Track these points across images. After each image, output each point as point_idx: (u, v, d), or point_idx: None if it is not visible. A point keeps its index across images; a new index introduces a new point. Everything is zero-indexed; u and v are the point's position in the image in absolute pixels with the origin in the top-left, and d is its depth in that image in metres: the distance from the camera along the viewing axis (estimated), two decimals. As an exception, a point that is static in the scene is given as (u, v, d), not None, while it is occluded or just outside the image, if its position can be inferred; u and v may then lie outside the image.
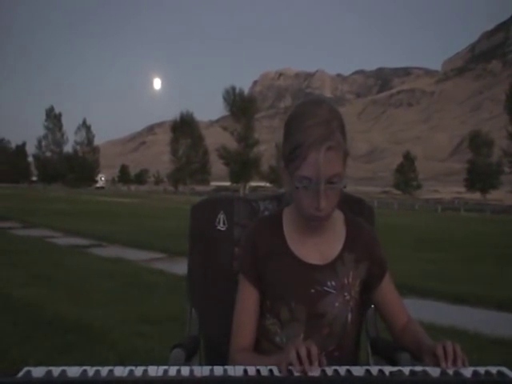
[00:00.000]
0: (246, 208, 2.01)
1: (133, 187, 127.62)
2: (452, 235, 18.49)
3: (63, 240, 13.59)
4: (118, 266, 9.31)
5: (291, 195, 1.60)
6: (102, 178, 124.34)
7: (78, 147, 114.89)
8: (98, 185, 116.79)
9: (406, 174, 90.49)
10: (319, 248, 1.65)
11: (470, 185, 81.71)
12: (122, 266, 9.34)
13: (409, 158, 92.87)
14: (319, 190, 1.46)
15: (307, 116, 1.48)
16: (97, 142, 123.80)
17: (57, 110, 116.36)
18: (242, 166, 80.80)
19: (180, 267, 8.75)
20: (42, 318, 5.43)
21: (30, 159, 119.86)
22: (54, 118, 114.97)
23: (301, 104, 1.56)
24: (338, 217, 1.71)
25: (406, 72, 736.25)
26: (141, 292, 7.07)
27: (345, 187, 1.54)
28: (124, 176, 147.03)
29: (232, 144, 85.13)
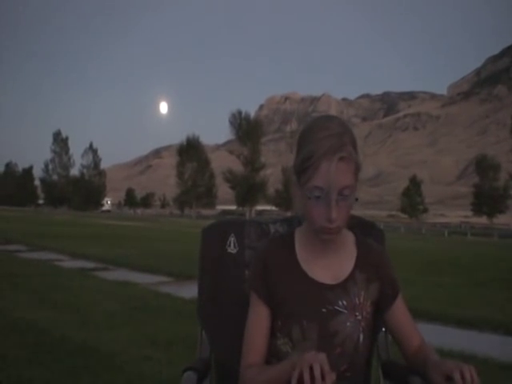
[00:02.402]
0: (256, 231, 2.01)
1: (139, 210, 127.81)
2: (459, 259, 18.38)
3: (70, 263, 13.58)
4: (124, 290, 9.29)
5: (303, 214, 1.61)
6: (108, 202, 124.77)
7: (85, 171, 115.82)
8: (104, 208, 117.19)
9: (412, 198, 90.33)
10: (331, 268, 1.65)
11: (477, 209, 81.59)
12: (128, 290, 9.31)
13: (415, 182, 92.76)
14: (331, 200, 1.47)
15: (319, 129, 1.50)
16: (103, 165, 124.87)
17: (64, 134, 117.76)
18: (248, 189, 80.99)
19: (187, 291, 8.74)
20: (49, 341, 5.42)
21: (37, 182, 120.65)
22: (61, 142, 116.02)
23: (313, 119, 1.58)
24: (349, 238, 1.72)
25: (411, 96, 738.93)
26: (148, 316, 7.05)
27: (357, 200, 1.54)
28: (130, 199, 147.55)
29: (238, 167, 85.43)
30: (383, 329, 1.86)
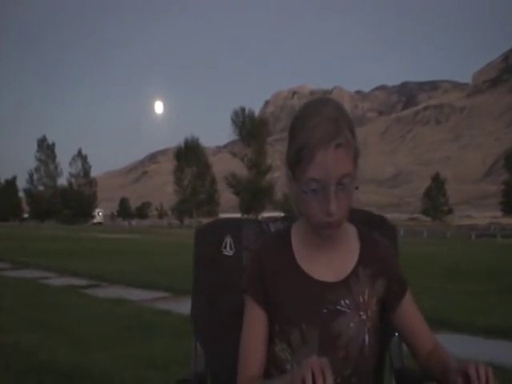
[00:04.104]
0: (255, 231, 2.00)
1: (134, 222, 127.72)
2: (488, 264, 18.33)
3: (58, 280, 13.61)
4: (118, 308, 9.31)
5: (300, 211, 1.60)
6: (100, 213, 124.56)
7: (74, 180, 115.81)
8: (95, 220, 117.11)
9: (435, 199, 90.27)
10: (331, 264, 1.65)
11: (507, 208, 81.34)
12: (122, 308, 9.33)
13: (438, 181, 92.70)
14: (329, 192, 1.46)
15: (312, 114, 1.50)
16: (94, 173, 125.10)
17: (49, 140, 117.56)
18: (253, 195, 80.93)
19: (187, 307, 8.59)
20: (35, 364, 5.45)
21: (21, 194, 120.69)
22: (46, 149, 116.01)
23: (305, 104, 1.58)
24: (351, 231, 1.72)
25: (432, 86, 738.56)
26: (143, 335, 7.06)
27: (357, 188, 1.53)
28: (124, 210, 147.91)
29: (242, 171, 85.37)
30: (396, 334, 1.87)
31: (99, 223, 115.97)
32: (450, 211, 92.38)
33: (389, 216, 2.17)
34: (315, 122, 1.47)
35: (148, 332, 7.22)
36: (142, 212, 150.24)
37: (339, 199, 1.48)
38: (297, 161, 1.50)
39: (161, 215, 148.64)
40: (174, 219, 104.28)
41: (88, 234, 52.15)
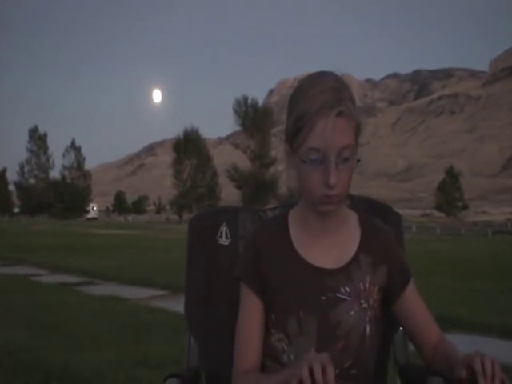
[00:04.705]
0: (253, 219, 2.01)
1: (130, 217, 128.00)
2: (504, 262, 18.32)
3: (49, 278, 13.65)
4: (112, 306, 9.34)
5: (297, 187, 1.60)
6: (94, 208, 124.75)
7: (67, 172, 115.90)
8: (89, 215, 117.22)
9: (449, 194, 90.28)
10: (330, 250, 1.65)
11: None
12: (117, 306, 9.36)
13: (452, 175, 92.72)
14: (329, 163, 1.46)
15: (312, 84, 1.51)
16: (88, 165, 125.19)
17: (41, 130, 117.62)
18: (256, 188, 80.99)
19: (184, 305, 8.75)
20: (23, 364, 5.47)
21: (12, 188, 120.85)
22: (38, 139, 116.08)
23: (305, 77, 1.60)
24: (352, 216, 1.72)
25: (447, 74, 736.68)
26: (139, 334, 7.09)
27: (359, 161, 1.53)
28: (120, 204, 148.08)
29: (245, 164, 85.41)
30: (400, 328, 1.87)
31: (94, 218, 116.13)
32: (464, 207, 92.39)
33: (400, 212, 2.16)
34: (315, 91, 1.48)
35: (143, 331, 7.24)
36: (138, 207, 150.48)
37: (340, 172, 1.48)
38: (296, 130, 1.51)
39: (159, 210, 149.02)
40: (172, 214, 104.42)
41: (82, 229, 52.29)
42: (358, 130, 1.52)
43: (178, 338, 6.45)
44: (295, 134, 1.51)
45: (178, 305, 9.16)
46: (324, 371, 1.25)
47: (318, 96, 1.47)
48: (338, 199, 1.53)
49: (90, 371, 5.25)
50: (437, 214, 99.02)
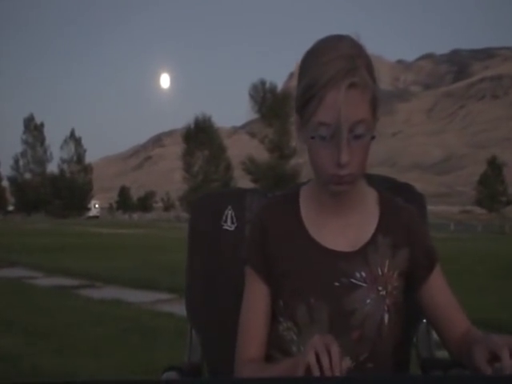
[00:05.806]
0: (260, 202, 1.99)
1: (136, 215, 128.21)
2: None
3: (46, 280, 13.77)
4: (114, 310, 9.40)
5: (308, 163, 1.58)
6: (96, 205, 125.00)
7: (65, 166, 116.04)
8: (90, 213, 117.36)
9: (491, 187, 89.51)
10: (345, 231, 1.64)
11: None
12: (119, 310, 9.43)
13: (495, 166, 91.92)
14: (340, 139, 1.44)
15: (325, 49, 1.49)
16: (89, 158, 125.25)
17: (38, 120, 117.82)
18: (275, 182, 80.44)
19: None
20: (17, 371, 5.55)
21: (5, 183, 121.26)
22: (34, 130, 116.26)
23: (319, 40, 1.56)
24: (370, 194, 1.71)
25: (488, 54, 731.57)
26: (142, 340, 7.14)
27: (373, 138, 1.51)
28: (124, 201, 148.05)
29: (262, 155, 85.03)
30: (424, 320, 1.87)
31: (95, 217, 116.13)
32: (509, 202, 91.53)
33: (436, 208, 2.12)
34: (327, 58, 1.46)
35: (147, 337, 7.29)
36: (145, 203, 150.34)
37: (352, 149, 1.46)
38: (305, 101, 1.49)
39: (167, 207, 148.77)
40: (182, 211, 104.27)
41: (82, 228, 52.37)
42: (374, 103, 1.49)
43: (185, 344, 6.50)
44: (304, 106, 1.50)
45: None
46: (329, 354, 1.26)
47: (329, 64, 1.45)
48: (350, 179, 1.51)
49: (88, 378, 5.28)
50: (478, 210, 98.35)
